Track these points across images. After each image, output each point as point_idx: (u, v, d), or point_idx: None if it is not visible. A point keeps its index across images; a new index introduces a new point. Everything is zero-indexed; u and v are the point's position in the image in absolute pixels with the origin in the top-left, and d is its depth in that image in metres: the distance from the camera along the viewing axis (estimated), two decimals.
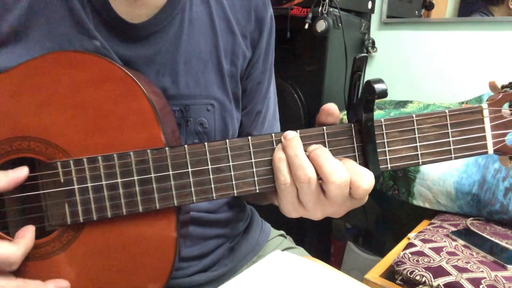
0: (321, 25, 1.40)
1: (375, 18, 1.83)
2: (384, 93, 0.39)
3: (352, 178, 0.40)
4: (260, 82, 0.65)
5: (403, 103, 1.58)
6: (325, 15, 1.40)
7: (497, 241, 1.02)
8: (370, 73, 1.89)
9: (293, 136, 0.42)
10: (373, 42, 1.82)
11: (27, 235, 0.41)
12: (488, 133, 0.44)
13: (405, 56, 1.79)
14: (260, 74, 0.64)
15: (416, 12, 1.83)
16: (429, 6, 1.81)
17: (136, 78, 0.43)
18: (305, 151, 0.42)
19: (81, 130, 0.42)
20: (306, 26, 1.42)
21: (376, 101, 1.77)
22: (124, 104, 0.43)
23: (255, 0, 0.60)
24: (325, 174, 0.40)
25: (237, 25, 0.59)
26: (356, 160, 0.43)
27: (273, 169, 0.42)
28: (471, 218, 1.19)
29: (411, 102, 1.59)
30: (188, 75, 0.55)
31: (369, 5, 1.74)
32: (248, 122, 0.67)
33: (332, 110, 0.44)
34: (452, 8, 1.75)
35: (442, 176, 1.23)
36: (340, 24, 1.50)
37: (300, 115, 1.54)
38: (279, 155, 0.42)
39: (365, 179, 0.40)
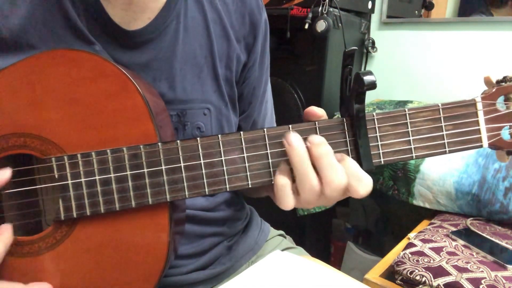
0: (321, 25, 1.40)
1: (375, 18, 1.83)
2: (373, 85, 0.39)
3: (350, 181, 0.41)
4: (256, 86, 0.65)
5: (403, 103, 1.58)
6: (325, 15, 1.40)
7: (497, 241, 1.02)
8: None
9: (297, 146, 0.41)
10: (373, 42, 1.82)
11: (4, 233, 0.42)
12: (483, 126, 0.44)
13: (405, 56, 1.79)
14: (257, 78, 0.65)
15: (416, 12, 1.83)
16: (429, 6, 1.81)
17: (130, 76, 0.43)
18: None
19: (75, 126, 0.43)
20: (306, 26, 1.42)
21: (376, 101, 1.76)
22: (118, 100, 0.43)
23: (249, 5, 0.61)
24: (324, 177, 0.40)
25: (232, 30, 0.59)
26: (348, 154, 0.43)
27: (276, 191, 0.42)
28: (471, 218, 1.19)
29: (411, 102, 1.59)
30: (184, 80, 0.56)
31: (369, 5, 1.74)
32: (246, 126, 0.67)
33: (319, 114, 0.44)
34: (452, 8, 1.75)
35: (442, 176, 1.23)
36: (340, 24, 1.50)
37: (300, 115, 1.54)
38: (282, 180, 0.42)
39: (364, 186, 0.41)
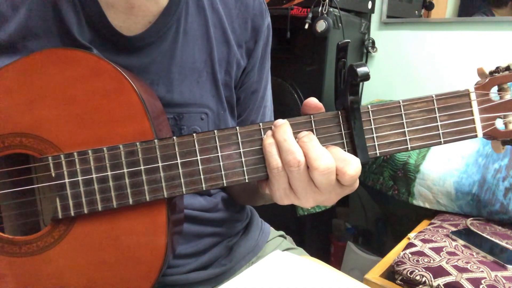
0: (321, 25, 1.40)
1: (375, 18, 1.83)
2: (366, 76, 0.39)
3: (338, 165, 0.41)
4: (254, 91, 0.65)
5: None
6: (325, 15, 1.40)
7: (497, 241, 1.02)
8: (370, 73, 1.89)
9: (283, 123, 0.42)
10: (373, 42, 1.82)
11: None
12: (477, 116, 0.44)
13: (405, 56, 1.79)
14: (255, 83, 0.64)
15: (416, 12, 1.83)
16: (429, 6, 1.80)
17: (126, 74, 0.43)
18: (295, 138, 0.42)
19: (71, 125, 0.43)
20: (306, 26, 1.42)
21: (376, 101, 1.77)
22: (114, 98, 0.43)
23: (252, 9, 0.60)
24: (310, 160, 0.40)
25: (233, 34, 0.59)
26: (344, 147, 0.43)
27: (264, 154, 0.42)
28: (471, 218, 1.19)
29: None
30: (182, 84, 0.56)
31: (369, 5, 1.74)
32: None
33: (319, 105, 0.44)
34: (452, 8, 1.75)
35: (442, 176, 1.23)
36: (340, 24, 1.50)
37: (300, 115, 1.54)
38: (268, 140, 0.42)
39: (351, 166, 0.41)
